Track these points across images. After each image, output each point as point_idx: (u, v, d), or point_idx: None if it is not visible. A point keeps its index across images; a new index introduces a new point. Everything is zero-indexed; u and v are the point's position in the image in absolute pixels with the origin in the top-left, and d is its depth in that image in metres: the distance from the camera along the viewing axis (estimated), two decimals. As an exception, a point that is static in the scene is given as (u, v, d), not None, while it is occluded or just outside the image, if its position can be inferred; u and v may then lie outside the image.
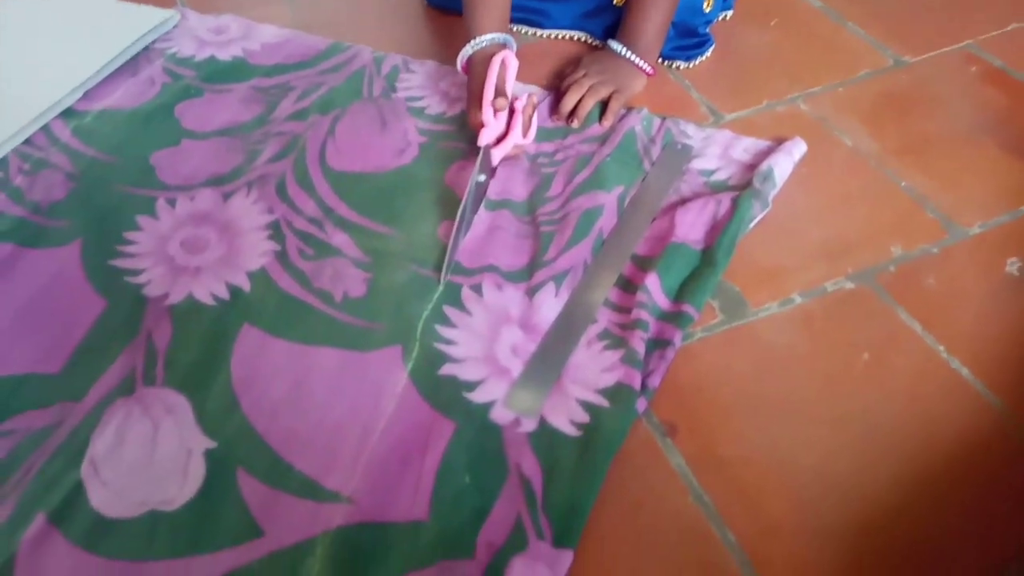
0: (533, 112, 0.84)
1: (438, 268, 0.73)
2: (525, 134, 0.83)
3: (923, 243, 0.74)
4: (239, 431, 0.62)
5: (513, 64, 0.83)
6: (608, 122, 0.86)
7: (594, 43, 0.99)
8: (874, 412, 0.62)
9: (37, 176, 0.84)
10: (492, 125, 0.80)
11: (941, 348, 0.66)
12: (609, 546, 0.55)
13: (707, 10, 0.94)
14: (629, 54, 0.91)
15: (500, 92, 0.80)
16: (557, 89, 0.92)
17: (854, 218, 0.77)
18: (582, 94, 0.88)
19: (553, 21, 1.01)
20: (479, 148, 0.80)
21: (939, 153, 0.83)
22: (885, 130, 0.86)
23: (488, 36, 0.83)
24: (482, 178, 0.79)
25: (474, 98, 0.81)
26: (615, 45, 0.92)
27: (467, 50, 0.84)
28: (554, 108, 0.89)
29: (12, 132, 0.87)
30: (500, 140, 0.81)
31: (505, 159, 0.83)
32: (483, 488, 0.58)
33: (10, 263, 0.75)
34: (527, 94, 0.84)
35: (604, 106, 0.88)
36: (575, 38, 1.01)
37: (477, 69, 0.83)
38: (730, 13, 1.02)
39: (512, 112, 0.81)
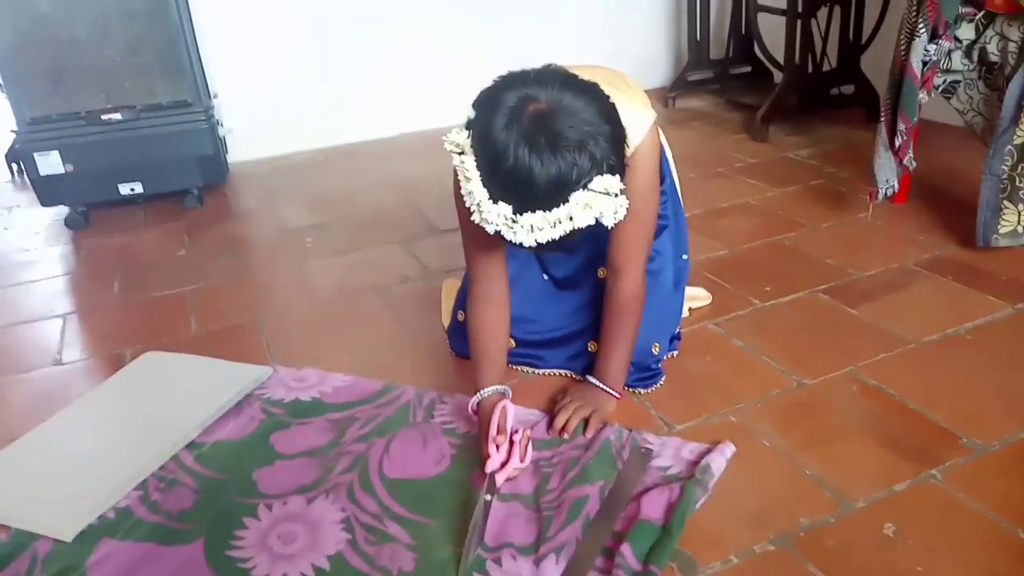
0: (528, 442, 1.13)
1: (468, 549, 0.99)
2: (522, 459, 1.11)
3: (823, 514, 1.01)
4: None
5: (510, 409, 1.15)
6: (590, 434, 1.18)
7: (577, 377, 1.35)
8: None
9: (170, 492, 1.14)
10: (495, 457, 1.08)
11: (840, 591, 0.90)
12: None
13: (655, 353, 1.31)
14: (602, 385, 1.25)
15: (501, 431, 1.10)
16: (551, 411, 1.25)
17: (772, 497, 1.05)
18: (569, 415, 1.21)
19: (546, 363, 1.38)
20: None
21: (833, 448, 1.13)
22: (793, 433, 1.17)
23: (490, 389, 1.18)
24: (488, 498, 1.04)
25: (483, 436, 1.13)
26: (591, 379, 1.26)
27: (475, 399, 1.18)
28: (549, 425, 1.22)
29: (151, 463, 1.19)
30: (504, 465, 1.09)
31: (508, 479, 1.10)
32: None
33: (151, 558, 1.02)
34: (523, 428, 1.14)
35: (586, 422, 1.20)
36: (563, 374, 1.37)
37: (483, 413, 1.16)
38: (676, 352, 1.40)
39: (512, 444, 1.11)
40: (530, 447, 1.13)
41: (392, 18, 2.79)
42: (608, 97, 0.98)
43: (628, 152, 1.02)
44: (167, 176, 2.28)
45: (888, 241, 1.79)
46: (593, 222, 0.95)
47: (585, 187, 0.93)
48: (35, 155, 2.15)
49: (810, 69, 2.64)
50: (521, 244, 0.96)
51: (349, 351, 1.50)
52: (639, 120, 1.11)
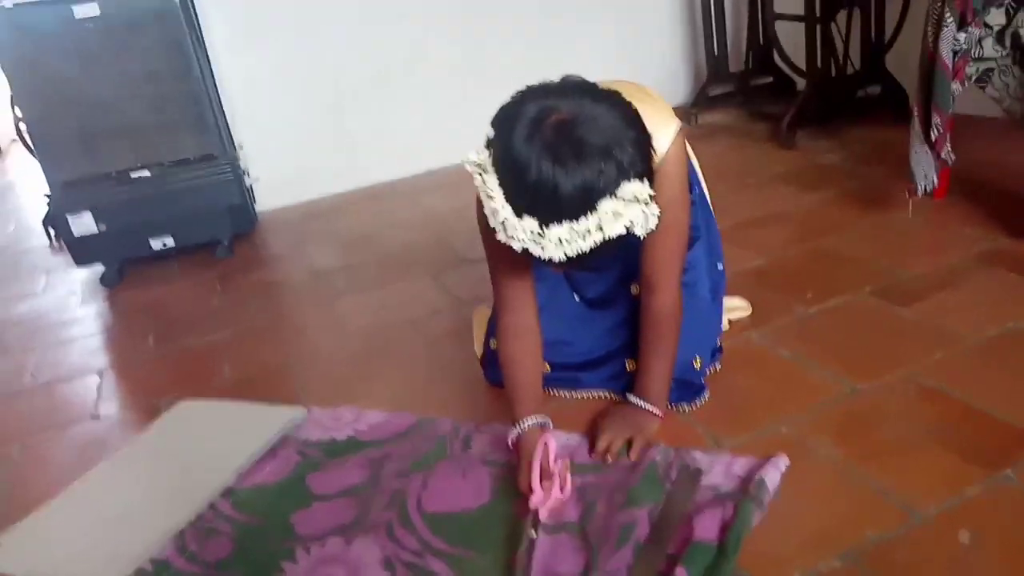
0: (567, 471, 1.08)
1: (516, 580, 0.95)
2: (563, 489, 1.06)
3: (891, 527, 0.94)
4: None
5: (552, 445, 1.07)
6: (634, 456, 1.13)
7: (615, 397, 1.30)
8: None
9: (207, 541, 1.11)
10: (538, 493, 1.02)
11: (918, 608, 0.83)
12: None
13: (697, 368, 1.26)
14: (644, 404, 1.20)
15: (545, 474, 1.05)
16: (592, 434, 1.20)
17: (834, 512, 0.98)
18: (611, 438, 1.16)
19: (584, 384, 1.34)
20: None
21: (894, 457, 1.07)
22: (849, 442, 1.11)
23: (529, 421, 1.14)
24: (533, 534, 1.00)
25: (524, 470, 1.07)
26: (632, 398, 1.22)
27: (514, 433, 1.14)
28: (591, 449, 1.17)
29: (188, 513, 1.17)
30: (546, 499, 1.04)
31: (551, 511, 1.05)
32: None
33: (190, 608, 0.99)
34: (562, 458, 1.09)
35: (630, 445, 1.15)
36: (603, 396, 1.32)
37: (524, 447, 1.12)
38: (718, 366, 1.34)
39: (552, 475, 1.06)
40: (569, 476, 1.08)
41: (403, 58, 2.81)
42: (630, 104, 0.95)
43: (655, 161, 0.99)
44: (197, 228, 2.31)
45: (932, 238, 1.72)
46: (624, 231, 0.91)
47: (613, 194, 0.90)
48: (68, 216, 2.19)
49: (833, 73, 2.59)
50: (551, 260, 0.92)
51: (384, 387, 1.48)
52: (664, 129, 1.08)
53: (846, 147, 2.44)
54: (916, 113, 1.69)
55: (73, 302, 2.23)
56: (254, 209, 2.57)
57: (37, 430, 1.54)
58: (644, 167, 0.93)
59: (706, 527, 0.97)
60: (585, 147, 0.88)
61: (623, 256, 1.24)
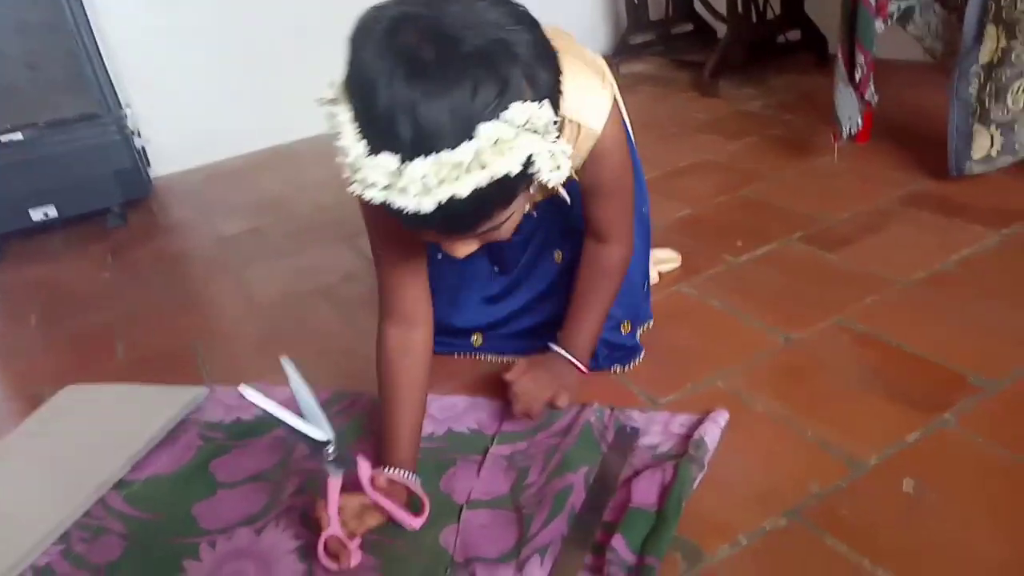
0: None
1: (443, 565, 0.86)
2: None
3: (834, 480, 0.90)
4: None
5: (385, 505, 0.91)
6: (562, 403, 1.04)
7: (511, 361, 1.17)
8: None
9: (95, 542, 0.99)
10: (334, 528, 0.86)
11: (865, 560, 0.79)
12: None
13: (625, 333, 1.19)
14: (565, 353, 1.08)
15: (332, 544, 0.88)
16: (508, 397, 1.06)
17: (776, 467, 0.94)
18: (529, 400, 1.04)
19: (511, 350, 1.24)
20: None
21: (833, 406, 1.03)
22: (788, 394, 1.07)
23: (403, 473, 0.94)
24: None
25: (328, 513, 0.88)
26: (554, 347, 1.09)
27: (383, 475, 0.92)
28: (506, 412, 1.07)
29: (74, 511, 1.04)
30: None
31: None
32: None
33: (75, 621, 0.87)
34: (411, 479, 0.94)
35: (552, 406, 1.05)
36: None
37: (388, 493, 0.92)
38: (650, 323, 1.28)
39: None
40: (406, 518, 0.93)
41: (319, 4, 2.62)
42: (522, 7, 0.73)
43: (591, 140, 0.92)
44: (83, 196, 2.11)
45: (858, 182, 1.70)
46: (518, 172, 0.69)
47: (497, 116, 0.67)
48: (-69, 187, 1.96)
49: (754, 19, 2.55)
50: (418, 214, 0.69)
51: (296, 362, 1.36)
52: (598, 100, 0.94)
53: (769, 94, 2.41)
54: (840, 53, 1.65)
55: (-56, 282, 2.01)
56: (148, 173, 2.37)
57: (-101, 427, 1.36)
58: (546, 86, 0.72)
59: (644, 491, 0.90)
60: (454, 54, 0.66)
61: (545, 216, 1.16)
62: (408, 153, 0.67)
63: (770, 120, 2.19)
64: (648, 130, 2.22)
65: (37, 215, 2.08)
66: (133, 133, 2.21)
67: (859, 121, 1.69)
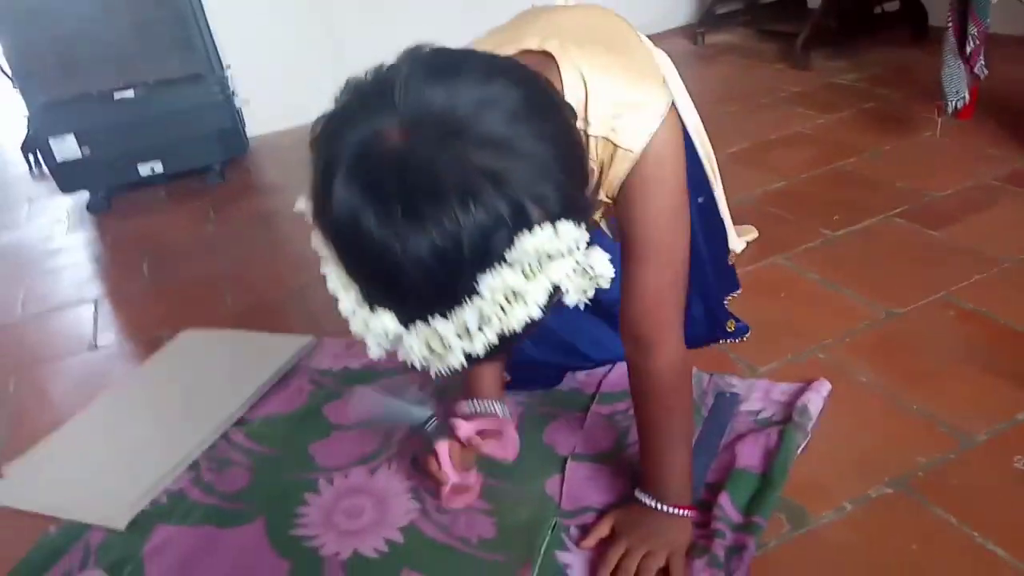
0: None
1: (551, 513, 0.91)
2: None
3: (942, 452, 0.91)
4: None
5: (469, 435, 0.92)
6: None
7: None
8: (932, 590, 0.75)
9: (223, 472, 1.07)
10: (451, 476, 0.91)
11: (976, 534, 0.80)
12: None
13: (730, 330, 1.15)
14: (664, 507, 0.83)
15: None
16: (594, 553, 0.85)
17: (880, 438, 0.95)
18: (626, 549, 0.82)
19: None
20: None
21: (938, 381, 1.03)
22: (890, 367, 1.07)
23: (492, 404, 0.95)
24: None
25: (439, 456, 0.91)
26: (645, 499, 0.84)
27: (468, 407, 0.95)
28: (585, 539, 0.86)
29: (200, 443, 1.12)
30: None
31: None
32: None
33: (211, 542, 0.95)
34: (507, 421, 0.96)
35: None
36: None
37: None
38: (737, 292, 1.22)
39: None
40: (511, 438, 0.96)
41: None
42: (534, 78, 0.59)
43: (629, 158, 0.71)
44: (187, 153, 2.20)
45: (960, 159, 1.65)
46: (541, 309, 0.56)
47: (501, 261, 0.54)
48: (50, 140, 2.07)
49: (850, -12, 2.48)
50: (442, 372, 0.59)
51: (394, 315, 1.41)
52: (640, 113, 0.71)
53: (863, 67, 2.34)
54: (951, 24, 1.60)
55: (59, 230, 2.13)
56: (245, 133, 2.46)
57: (32, 362, 1.47)
58: (564, 191, 0.56)
59: (749, 454, 0.93)
60: (427, 190, 0.52)
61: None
62: (404, 317, 0.57)
63: (865, 94, 2.13)
64: (735, 101, 2.19)
65: (145, 170, 2.18)
66: (233, 94, 2.29)
67: (966, 95, 1.64)
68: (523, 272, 0.55)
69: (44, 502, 1.06)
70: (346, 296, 0.59)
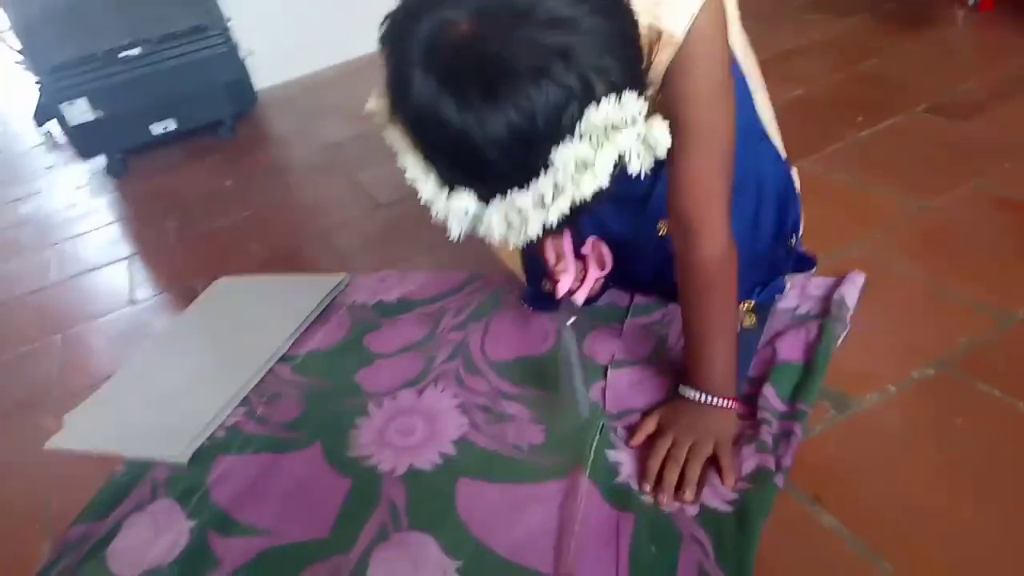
0: (600, 249, 0.99)
1: (598, 416, 0.93)
2: (601, 266, 1.01)
3: (983, 333, 0.92)
4: (476, 551, 0.79)
5: (567, 236, 0.98)
6: (730, 481, 0.79)
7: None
8: (977, 458, 0.77)
9: (274, 405, 1.10)
10: (564, 280, 0.97)
11: (1021, 403, 0.81)
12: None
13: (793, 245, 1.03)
14: (711, 398, 0.84)
15: (559, 257, 0.97)
16: (640, 452, 0.86)
17: (920, 324, 0.96)
18: (680, 465, 0.80)
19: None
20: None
21: (975, 267, 1.03)
22: (926, 257, 1.07)
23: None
24: (570, 321, 0.94)
25: (544, 268, 0.98)
26: (690, 393, 0.85)
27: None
28: (642, 475, 0.82)
29: (249, 380, 1.15)
30: (582, 283, 1.00)
31: (590, 297, 1.00)
32: (668, 553, 0.74)
33: (272, 467, 0.98)
34: (591, 239, 1.00)
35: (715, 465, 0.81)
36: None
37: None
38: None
39: (582, 258, 0.99)
40: (606, 252, 0.99)
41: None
42: None
43: (675, 39, 0.71)
44: (197, 108, 2.20)
45: (983, 51, 1.62)
46: (607, 178, 0.61)
47: (571, 134, 0.58)
48: (62, 105, 2.07)
49: None
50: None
51: (424, 251, 1.43)
52: None
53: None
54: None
55: (81, 196, 2.15)
56: (252, 85, 2.44)
57: (75, 321, 1.50)
58: (622, 66, 0.59)
59: (790, 348, 0.94)
60: (501, 72, 0.56)
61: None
62: (483, 192, 0.62)
63: (881, -5, 2.08)
64: (749, 17, 2.13)
65: (158, 129, 2.19)
66: (237, 45, 2.27)
67: (990, -16, 1.59)
68: (592, 142, 0.59)
69: (108, 445, 1.10)
70: (426, 182, 0.63)
